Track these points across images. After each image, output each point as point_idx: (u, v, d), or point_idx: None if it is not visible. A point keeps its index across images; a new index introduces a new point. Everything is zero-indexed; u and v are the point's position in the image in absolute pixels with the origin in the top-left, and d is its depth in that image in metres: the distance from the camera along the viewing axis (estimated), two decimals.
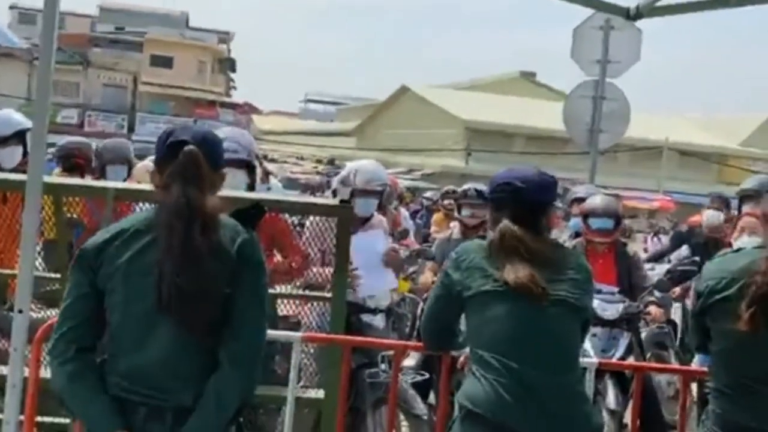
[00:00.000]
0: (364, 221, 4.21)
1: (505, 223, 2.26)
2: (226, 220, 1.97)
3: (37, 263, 4.05)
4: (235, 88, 46.92)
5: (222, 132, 3.73)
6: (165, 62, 39.78)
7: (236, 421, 2.01)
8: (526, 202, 2.30)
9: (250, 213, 2.04)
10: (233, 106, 42.86)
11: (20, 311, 2.25)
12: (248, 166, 3.67)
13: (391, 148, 31.39)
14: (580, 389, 2.26)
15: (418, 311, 7.05)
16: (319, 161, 34.84)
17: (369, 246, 4.07)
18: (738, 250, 2.27)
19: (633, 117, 8.85)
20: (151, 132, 36.76)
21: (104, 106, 37.44)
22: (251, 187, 3.62)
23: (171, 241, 1.87)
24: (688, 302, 2.28)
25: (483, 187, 4.94)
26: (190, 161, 1.93)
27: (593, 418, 2.26)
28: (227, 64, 44.00)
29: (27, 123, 4.15)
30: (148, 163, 7.95)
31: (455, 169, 30.34)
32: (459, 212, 4.94)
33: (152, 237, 1.91)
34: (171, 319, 1.87)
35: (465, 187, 5.02)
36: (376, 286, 4.05)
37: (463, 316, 2.33)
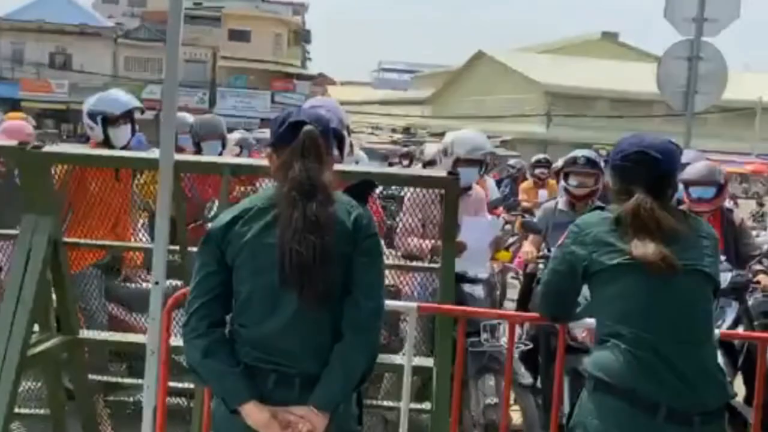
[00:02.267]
0: (464, 190, 4.21)
1: (640, 196, 2.21)
2: (339, 196, 2.05)
3: (146, 238, 4.28)
4: (310, 59, 47.34)
5: (310, 101, 3.77)
6: (243, 36, 40.43)
7: (359, 388, 2.08)
8: (660, 172, 2.26)
9: (361, 188, 2.12)
10: (309, 78, 43.28)
11: (156, 283, 2.36)
12: (338, 137, 3.66)
13: (468, 116, 31.02)
14: (715, 359, 2.23)
15: (507, 280, 7.06)
16: (394, 130, 34.88)
17: (479, 232, 4.04)
18: None
19: None
20: (232, 105, 37.64)
21: (186, 81, 38.43)
22: (340, 159, 3.63)
23: (293, 214, 1.95)
24: None
25: (591, 154, 4.80)
26: (310, 140, 2.02)
27: (727, 388, 2.24)
28: (302, 36, 44.36)
29: (134, 102, 4.31)
30: (239, 135, 8.15)
31: (535, 135, 29.82)
32: (566, 181, 4.66)
33: (276, 213, 1.99)
34: (294, 290, 1.95)
35: (573, 154, 4.78)
36: (478, 267, 4.05)
37: (585, 288, 2.31)
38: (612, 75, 30.80)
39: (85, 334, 3.41)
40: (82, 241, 3.61)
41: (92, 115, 4.10)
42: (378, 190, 5.35)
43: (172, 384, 2.92)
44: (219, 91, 39.06)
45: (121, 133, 4.10)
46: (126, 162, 3.17)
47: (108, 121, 4.08)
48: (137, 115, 4.24)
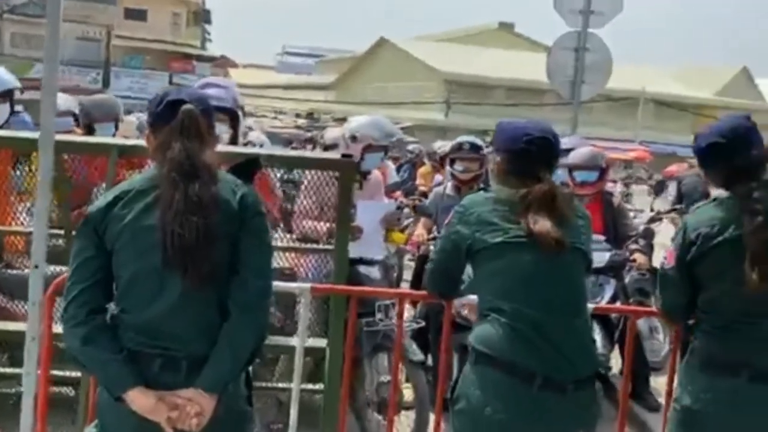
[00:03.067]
0: (364, 175, 4.26)
1: (549, 178, 2.34)
2: (223, 175, 2.03)
3: (28, 222, 4.09)
4: (210, 40, 46.02)
5: (206, 79, 3.69)
6: (139, 15, 38.88)
7: (247, 368, 2.08)
8: (555, 154, 2.42)
9: (247, 167, 2.11)
10: (209, 60, 42.13)
11: (36, 266, 2.30)
12: (232, 117, 3.61)
13: (371, 102, 31.19)
14: (588, 331, 2.39)
15: (404, 262, 7.21)
16: (298, 115, 34.56)
17: (374, 214, 4.10)
18: (714, 200, 2.41)
19: None
20: (127, 87, 36.16)
21: (78, 60, 36.60)
22: (234, 140, 3.56)
23: (174, 195, 1.92)
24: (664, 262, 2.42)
25: (476, 140, 4.98)
26: (190, 119, 1.99)
27: (597, 358, 2.42)
28: (202, 16, 43.09)
29: (14, 82, 4.10)
30: (133, 118, 7.88)
31: (435, 122, 30.31)
32: (452, 166, 4.87)
33: (156, 194, 1.96)
34: (178, 272, 1.93)
35: (458, 140, 4.99)
36: (373, 249, 4.12)
37: (469, 266, 2.42)
38: (508, 64, 31.71)
39: None
40: None
41: None
42: (278, 174, 5.33)
43: (57, 372, 2.85)
44: (113, 71, 37.44)
45: None
46: (2, 142, 3.03)
47: None
48: (18, 95, 4.06)
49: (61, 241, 3.36)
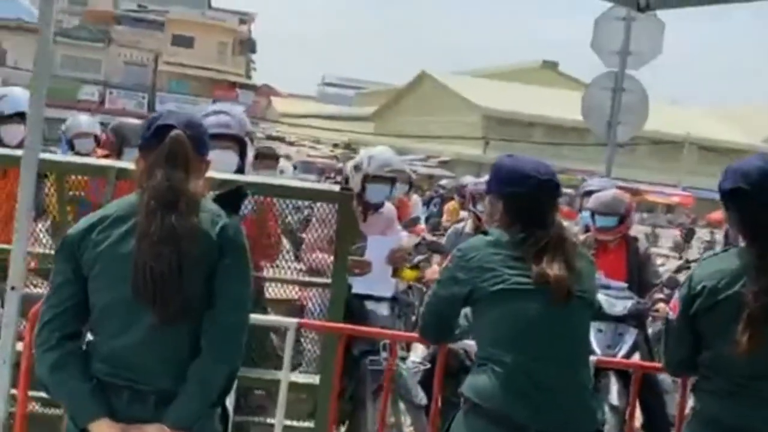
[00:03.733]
0: (376, 208, 4.17)
1: (559, 222, 2.24)
2: (207, 205, 1.96)
3: (46, 241, 4.09)
4: (254, 69, 46.99)
5: (215, 106, 3.63)
6: (186, 42, 39.89)
7: (221, 403, 2.00)
8: (547, 196, 2.29)
9: (232, 196, 2.04)
10: (252, 88, 42.93)
11: (12, 288, 2.23)
12: (240, 144, 3.51)
13: (409, 135, 31.30)
14: (588, 384, 2.24)
15: (425, 299, 7.05)
16: (335, 145, 34.84)
17: (385, 249, 3.99)
18: (726, 250, 2.24)
19: (653, 109, 8.73)
20: None
21: (125, 84, 37.62)
22: (241, 169, 3.44)
23: (150, 225, 1.87)
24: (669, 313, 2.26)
25: (476, 180, 4.83)
26: (176, 145, 1.93)
27: (598, 414, 2.25)
28: (248, 46, 44.01)
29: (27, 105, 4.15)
30: None
31: (472, 157, 30.24)
32: (473, 205, 4.71)
33: (133, 222, 1.90)
34: (147, 306, 1.86)
35: (481, 179, 4.85)
36: (382, 286, 4.01)
37: (467, 311, 2.29)
38: (549, 102, 31.55)
39: None
40: None
41: None
42: (291, 203, 5.26)
43: (37, 394, 2.78)
44: (159, 96, 38.34)
45: (13, 133, 3.96)
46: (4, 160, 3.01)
47: (1, 118, 3.95)
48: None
49: None
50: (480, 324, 2.22)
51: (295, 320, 2.77)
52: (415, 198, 9.26)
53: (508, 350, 2.12)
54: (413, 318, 6.46)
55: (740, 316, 2.05)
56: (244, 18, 44.22)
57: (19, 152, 3.54)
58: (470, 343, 2.44)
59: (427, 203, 10.91)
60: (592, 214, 4.60)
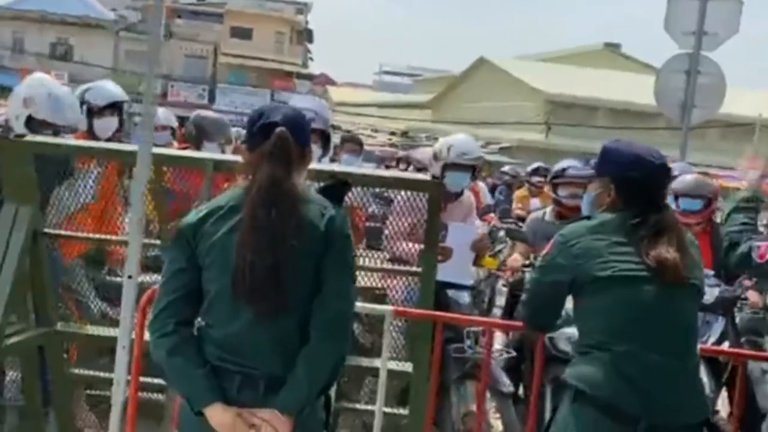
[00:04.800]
0: (456, 196, 4.18)
1: (669, 207, 2.25)
2: (313, 196, 2.02)
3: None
4: (311, 59, 47.26)
5: (299, 100, 3.74)
6: (244, 33, 40.38)
7: (328, 389, 2.04)
8: (663, 181, 2.30)
9: (337, 188, 2.09)
10: (310, 78, 43.25)
11: (129, 277, 2.32)
12: (324, 137, 3.62)
13: (468, 121, 31.01)
14: (698, 375, 2.22)
15: (498, 288, 7.02)
16: (393, 134, 34.81)
17: (465, 237, 4.00)
18: None
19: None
20: (231, 103, 37.55)
21: (186, 76, 38.34)
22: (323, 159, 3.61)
23: (252, 220, 1.92)
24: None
25: (579, 164, 4.75)
26: (280, 143, 1.98)
27: (707, 404, 2.25)
28: (305, 35, 44.31)
29: (121, 95, 4.26)
30: (233, 132, 8.09)
31: (534, 143, 29.81)
32: (555, 192, 4.63)
33: (241, 216, 1.96)
34: (244, 301, 1.91)
35: (562, 165, 4.76)
36: (463, 274, 4.02)
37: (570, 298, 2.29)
38: (613, 86, 30.81)
39: (60, 326, 3.37)
40: (63, 232, 3.57)
41: (79, 105, 4.06)
42: (370, 191, 5.31)
43: (145, 379, 2.89)
44: (219, 88, 39.00)
45: (106, 125, 4.06)
46: (106, 154, 3.13)
47: (92, 111, 4.04)
48: (126, 108, 4.21)
49: (158, 252, 3.43)
50: (585, 311, 2.21)
51: (389, 307, 2.81)
52: (482, 186, 9.20)
53: (618, 338, 2.10)
54: (484, 306, 6.47)
55: None
56: (301, 8, 44.50)
57: (122, 146, 3.70)
58: (571, 332, 2.42)
59: (492, 190, 10.79)
60: (675, 197, 4.51)
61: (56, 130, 3.64)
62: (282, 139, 1.98)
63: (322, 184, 2.15)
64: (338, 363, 1.99)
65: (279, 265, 1.90)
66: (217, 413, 1.93)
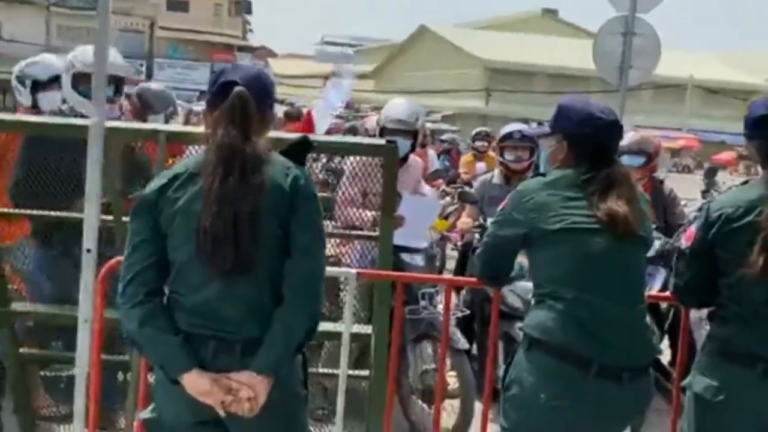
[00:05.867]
0: (400, 162, 4.21)
1: (618, 161, 2.32)
2: (275, 158, 1.98)
3: None
4: (251, 31, 46.40)
5: (236, 65, 3.65)
6: (181, 6, 39.37)
7: (302, 350, 2.04)
8: (620, 136, 2.38)
9: (299, 148, 2.06)
10: (250, 50, 42.48)
11: (88, 250, 2.32)
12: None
13: (411, 90, 31.06)
14: (646, 319, 2.33)
15: (447, 251, 7.16)
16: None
17: (419, 211, 4.01)
18: (746, 182, 2.31)
19: None
20: (170, 77, 36.59)
21: (122, 51, 37.05)
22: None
23: (212, 183, 1.90)
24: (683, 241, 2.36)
25: (525, 128, 4.88)
26: (238, 103, 1.94)
27: (654, 346, 2.38)
28: (243, 7, 43.42)
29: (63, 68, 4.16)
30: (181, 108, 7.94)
31: (475, 110, 30.09)
32: (501, 155, 4.76)
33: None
34: (206, 260, 1.90)
35: (508, 129, 4.87)
36: (417, 240, 4.07)
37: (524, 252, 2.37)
38: (551, 51, 31.25)
39: (15, 306, 3.32)
40: (12, 211, 3.50)
41: (21, 80, 3.98)
42: (319, 163, 5.32)
43: (106, 357, 2.89)
44: (157, 62, 38.01)
45: (51, 99, 3.99)
46: (55, 129, 3.07)
47: (36, 85, 3.95)
48: None
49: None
50: (538, 263, 2.29)
51: (353, 270, 2.86)
52: (431, 152, 9.29)
53: (569, 286, 2.19)
54: (436, 268, 6.58)
55: (755, 242, 2.13)
56: None
57: (62, 119, 3.61)
58: (524, 285, 2.52)
59: (438, 156, 10.92)
60: (618, 155, 4.65)
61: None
62: (239, 99, 1.94)
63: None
64: (313, 321, 1.99)
65: (237, 224, 1.89)
66: (193, 380, 1.92)
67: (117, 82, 3.55)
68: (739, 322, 2.23)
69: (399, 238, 3.88)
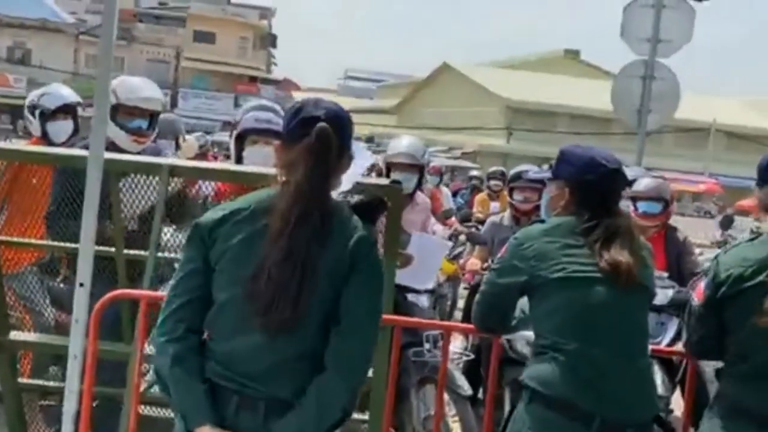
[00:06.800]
0: (408, 198, 4.18)
1: (624, 211, 2.29)
2: (345, 212, 1.84)
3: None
4: (275, 64, 47.13)
5: (255, 102, 3.62)
6: (207, 38, 40.12)
7: (341, 424, 1.85)
8: (624, 185, 2.34)
9: (372, 207, 1.94)
10: (274, 83, 43.11)
11: (81, 285, 2.29)
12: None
13: (432, 126, 31.22)
14: (650, 374, 2.27)
15: (459, 292, 7.08)
16: (358, 139, 34.85)
17: (428, 250, 3.95)
18: (754, 239, 2.24)
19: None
20: (194, 107, 37.22)
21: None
22: None
23: (282, 228, 1.75)
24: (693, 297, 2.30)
25: (536, 169, 4.83)
26: (322, 141, 1.79)
27: (657, 401, 2.30)
28: (268, 40, 44.18)
29: (74, 97, 4.19)
30: (193, 140, 8.03)
31: (496, 148, 30.16)
32: (510, 196, 4.74)
33: (267, 221, 1.78)
34: (257, 311, 1.74)
35: (518, 169, 4.84)
36: (423, 281, 4.02)
37: (523, 300, 2.32)
38: (572, 92, 31.36)
39: (13, 335, 3.30)
40: (16, 239, 3.50)
41: (31, 109, 4.01)
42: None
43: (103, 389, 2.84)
44: (181, 92, 38.67)
45: (60, 129, 4.00)
46: (60, 159, 3.07)
47: (45, 115, 3.97)
48: (80, 112, 4.14)
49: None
50: (539, 312, 2.24)
51: None
52: (445, 190, 9.26)
53: (571, 338, 2.13)
54: (447, 310, 6.51)
55: (765, 301, 2.06)
56: (264, 12, 44.35)
57: (65, 150, 3.62)
58: (527, 334, 2.45)
59: (454, 194, 10.89)
60: (633, 201, 4.59)
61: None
62: (323, 137, 1.78)
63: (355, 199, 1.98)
64: (351, 400, 1.83)
65: (302, 285, 1.73)
66: None
67: (152, 116, 3.48)
68: (748, 381, 2.15)
69: (405, 278, 3.85)
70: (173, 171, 2.88)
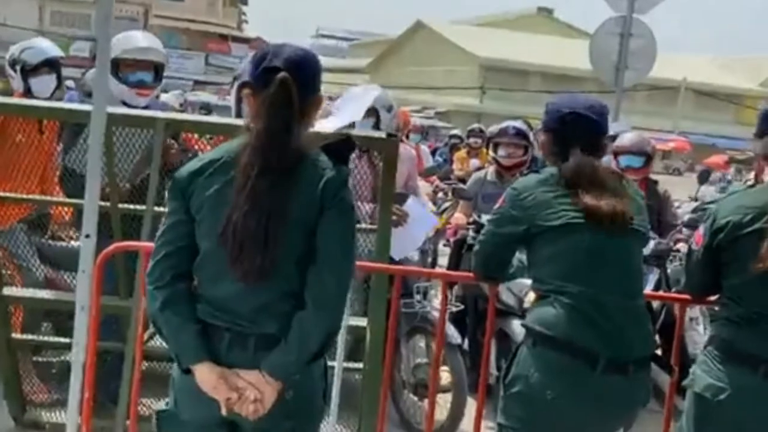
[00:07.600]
0: None
1: (578, 155, 2.29)
2: (313, 155, 1.85)
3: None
4: (246, 22, 46.23)
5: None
6: None
7: (321, 357, 1.94)
8: (594, 132, 2.34)
9: (341, 147, 1.93)
10: (245, 41, 42.31)
11: (87, 236, 2.31)
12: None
13: (405, 86, 31.04)
14: (646, 313, 2.36)
15: (439, 247, 7.16)
16: (330, 98, 34.54)
17: (419, 218, 3.95)
18: (752, 186, 2.31)
19: None
20: None
21: None
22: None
23: (246, 179, 1.79)
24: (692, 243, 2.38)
25: (522, 125, 4.88)
26: (280, 92, 1.82)
27: (654, 341, 2.42)
28: None
29: (55, 51, 4.11)
30: (173, 98, 7.94)
31: (470, 107, 30.12)
32: (495, 152, 4.75)
33: (234, 172, 1.83)
34: (230, 262, 1.80)
35: (502, 125, 4.88)
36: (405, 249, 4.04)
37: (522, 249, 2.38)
38: (545, 50, 31.33)
39: (6, 291, 3.30)
40: (6, 194, 3.48)
41: (12, 65, 3.93)
42: None
43: (102, 343, 2.87)
44: None
45: (43, 84, 3.92)
46: (53, 113, 3.05)
47: (27, 71, 3.90)
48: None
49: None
50: (540, 259, 2.30)
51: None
52: (425, 148, 9.30)
53: (573, 281, 2.20)
54: (429, 264, 6.58)
55: (763, 244, 2.13)
56: None
57: (60, 104, 3.58)
58: (524, 282, 2.53)
59: (432, 153, 10.93)
60: (616, 155, 4.67)
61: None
62: (282, 88, 1.81)
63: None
64: (330, 334, 1.90)
65: (268, 233, 1.78)
66: (202, 372, 1.85)
67: (156, 68, 3.45)
68: (743, 324, 2.23)
69: (396, 233, 3.88)
70: (169, 125, 2.89)
